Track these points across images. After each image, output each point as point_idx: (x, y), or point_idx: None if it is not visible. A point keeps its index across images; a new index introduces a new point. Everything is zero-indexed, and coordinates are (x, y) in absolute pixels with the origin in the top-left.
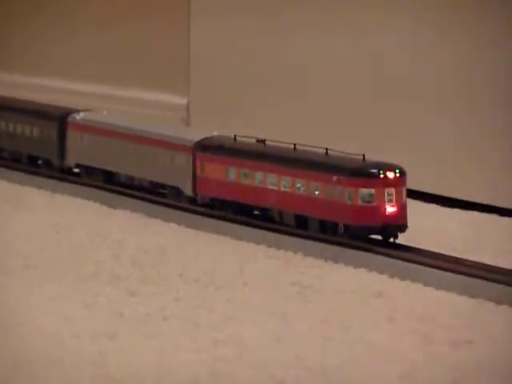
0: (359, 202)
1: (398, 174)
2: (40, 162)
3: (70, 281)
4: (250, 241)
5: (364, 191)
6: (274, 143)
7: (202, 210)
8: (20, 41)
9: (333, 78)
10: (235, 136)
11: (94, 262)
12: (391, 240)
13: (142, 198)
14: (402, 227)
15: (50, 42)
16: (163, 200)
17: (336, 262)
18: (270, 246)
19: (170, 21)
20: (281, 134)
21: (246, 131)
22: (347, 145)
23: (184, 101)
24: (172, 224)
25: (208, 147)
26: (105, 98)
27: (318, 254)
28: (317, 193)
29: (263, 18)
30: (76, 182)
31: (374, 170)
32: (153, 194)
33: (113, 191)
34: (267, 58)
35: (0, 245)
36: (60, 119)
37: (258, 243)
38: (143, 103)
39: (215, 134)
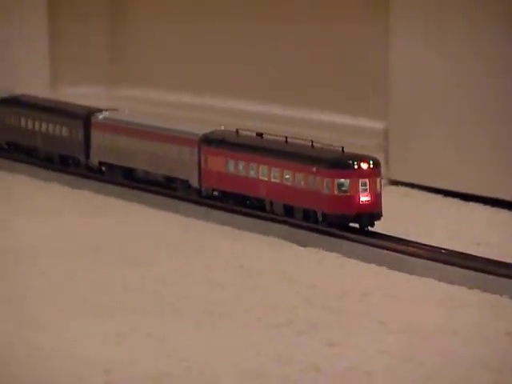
0: (335, 192)
1: (371, 166)
2: (70, 161)
3: (260, 329)
4: (462, 284)
5: (339, 181)
6: (271, 137)
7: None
8: (156, 54)
9: None
10: (237, 130)
11: (285, 307)
12: (367, 228)
13: (335, 235)
14: (376, 216)
15: (185, 54)
16: (360, 238)
17: None
18: (470, 288)
19: (364, 34)
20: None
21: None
22: None
23: (381, 125)
24: (373, 265)
25: (211, 140)
26: (282, 119)
27: None
28: (301, 183)
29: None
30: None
31: (348, 162)
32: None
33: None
34: (477, 81)
35: (179, 289)
36: (85, 118)
37: (470, 287)
38: (330, 126)
39: (222, 128)
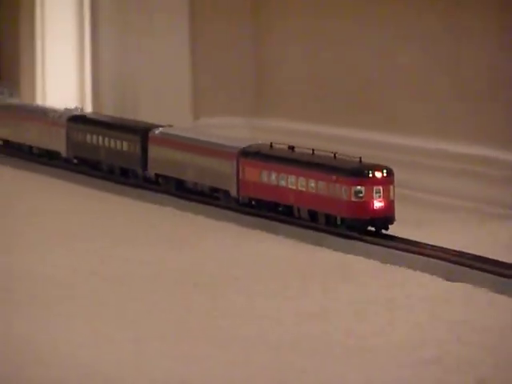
0: (352, 198)
1: (385, 174)
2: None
3: (408, 367)
4: None
5: (356, 188)
6: (300, 150)
7: None
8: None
9: None
10: (271, 143)
11: (434, 343)
12: (383, 231)
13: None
14: (390, 220)
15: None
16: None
17: None
18: None
19: None
20: None
21: None
22: None
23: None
24: None
25: (247, 153)
26: (422, 150)
27: None
28: (323, 191)
29: None
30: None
31: (364, 171)
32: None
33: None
34: None
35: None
36: (142, 134)
37: None
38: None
39: (259, 142)
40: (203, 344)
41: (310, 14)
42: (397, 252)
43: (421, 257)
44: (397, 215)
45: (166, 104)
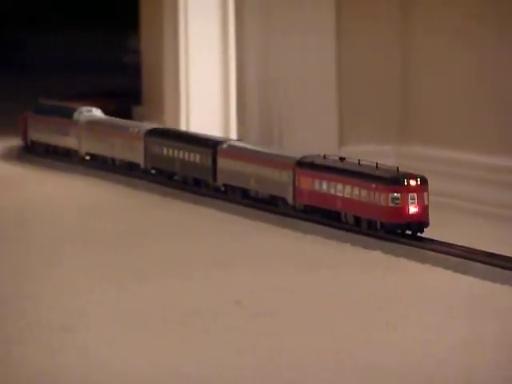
0: (390, 204)
1: (419, 182)
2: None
3: None
4: None
5: (393, 195)
6: (349, 160)
7: None
8: None
9: None
10: (324, 155)
11: None
12: (418, 234)
13: None
14: (424, 224)
15: None
16: None
17: None
18: None
19: None
20: None
21: None
22: None
23: None
24: None
25: (302, 164)
26: None
27: None
28: (365, 198)
29: None
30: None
31: (400, 179)
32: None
33: None
34: None
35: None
36: (213, 147)
37: None
38: None
39: (314, 154)
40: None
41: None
42: None
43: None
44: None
45: (312, 131)
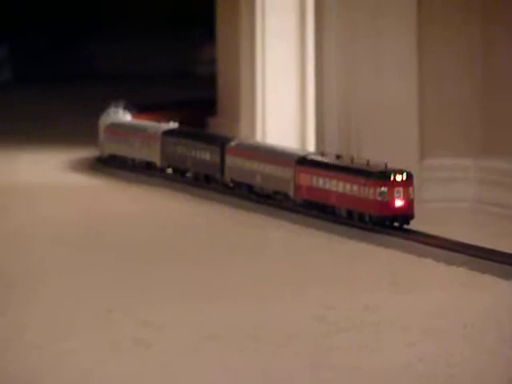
0: (377, 198)
1: (405, 177)
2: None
3: None
4: None
5: (380, 190)
6: (345, 157)
7: None
8: None
9: None
10: (322, 152)
11: None
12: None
13: None
14: (409, 216)
15: None
16: None
17: None
18: None
19: None
20: None
21: None
22: None
23: None
24: None
25: (302, 161)
26: None
27: None
28: (356, 192)
29: None
30: None
31: (386, 174)
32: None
33: None
34: None
35: None
36: (221, 145)
37: None
38: None
39: (317, 151)
40: None
41: None
42: None
43: None
44: None
45: (392, 146)
